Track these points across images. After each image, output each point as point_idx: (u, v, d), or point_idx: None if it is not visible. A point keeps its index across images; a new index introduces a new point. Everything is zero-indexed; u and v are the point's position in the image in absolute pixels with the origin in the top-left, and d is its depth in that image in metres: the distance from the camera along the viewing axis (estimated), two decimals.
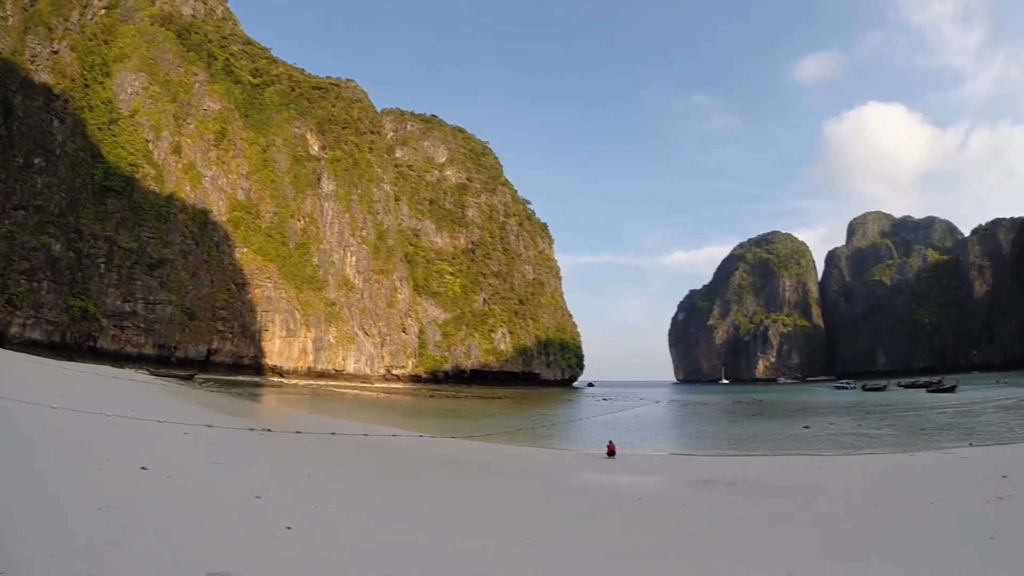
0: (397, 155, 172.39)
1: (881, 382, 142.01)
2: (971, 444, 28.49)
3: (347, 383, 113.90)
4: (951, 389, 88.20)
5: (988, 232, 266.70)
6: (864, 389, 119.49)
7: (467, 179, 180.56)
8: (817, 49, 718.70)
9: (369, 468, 19.15)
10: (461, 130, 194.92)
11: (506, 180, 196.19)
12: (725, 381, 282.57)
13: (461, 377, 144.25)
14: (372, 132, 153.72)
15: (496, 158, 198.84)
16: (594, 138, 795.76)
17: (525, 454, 28.33)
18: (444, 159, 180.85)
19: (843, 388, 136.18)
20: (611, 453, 26.55)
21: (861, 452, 29.38)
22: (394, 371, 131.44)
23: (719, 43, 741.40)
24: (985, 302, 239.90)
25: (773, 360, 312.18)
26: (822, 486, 18.73)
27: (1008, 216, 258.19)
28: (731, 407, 78.16)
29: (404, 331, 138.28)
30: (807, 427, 43.97)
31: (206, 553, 6.85)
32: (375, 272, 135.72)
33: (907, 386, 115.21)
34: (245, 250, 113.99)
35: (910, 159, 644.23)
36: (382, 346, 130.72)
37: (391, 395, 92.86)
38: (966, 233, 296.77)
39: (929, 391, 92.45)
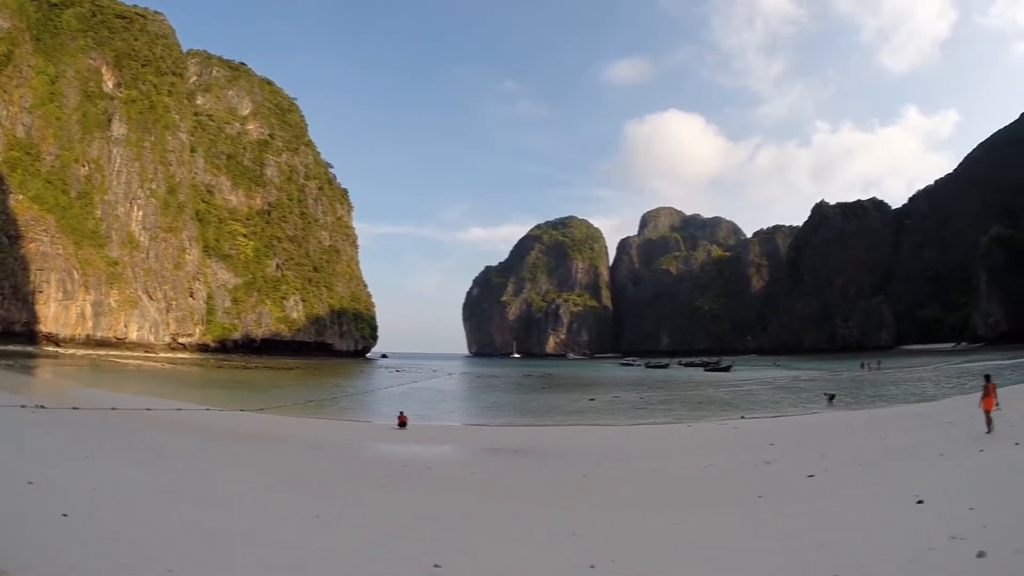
0: (198, 102, 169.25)
1: (664, 360, 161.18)
2: (743, 416, 32.45)
3: (130, 352, 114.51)
4: (727, 369, 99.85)
5: (768, 236, 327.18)
6: (648, 366, 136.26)
7: (269, 135, 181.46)
8: (630, 55, 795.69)
9: (152, 445, 19.06)
10: (269, 82, 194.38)
11: (310, 140, 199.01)
12: (517, 356, 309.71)
13: (251, 346, 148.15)
14: (174, 74, 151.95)
15: (302, 116, 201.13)
16: (404, 109, 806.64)
17: (317, 426, 29.70)
18: (248, 112, 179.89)
19: (628, 365, 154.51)
20: (402, 424, 28.56)
21: (643, 423, 32.71)
22: (180, 339, 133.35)
23: (535, 35, 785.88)
24: (761, 295, 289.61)
25: (563, 337, 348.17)
26: (606, 453, 20.97)
27: (787, 224, 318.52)
28: (522, 380, 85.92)
29: (192, 296, 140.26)
30: (593, 399, 49.05)
31: None
32: (163, 230, 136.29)
33: (687, 365, 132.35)
34: (20, 197, 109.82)
35: (703, 164, 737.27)
36: (168, 312, 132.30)
37: (177, 366, 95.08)
38: (748, 235, 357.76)
39: (707, 370, 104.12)
